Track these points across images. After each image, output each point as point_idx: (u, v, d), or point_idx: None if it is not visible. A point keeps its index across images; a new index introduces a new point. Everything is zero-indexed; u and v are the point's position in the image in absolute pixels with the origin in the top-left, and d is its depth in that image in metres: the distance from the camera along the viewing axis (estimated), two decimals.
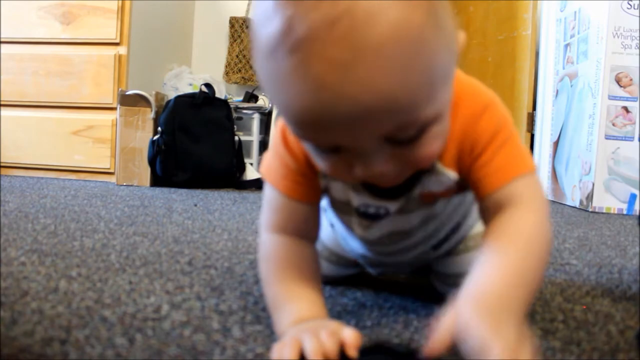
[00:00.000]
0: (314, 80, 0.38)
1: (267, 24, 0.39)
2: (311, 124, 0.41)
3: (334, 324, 0.48)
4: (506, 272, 0.44)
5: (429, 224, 0.60)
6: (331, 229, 0.71)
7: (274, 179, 0.57)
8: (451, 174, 0.53)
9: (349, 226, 0.62)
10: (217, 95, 2.33)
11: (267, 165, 0.58)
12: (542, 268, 0.48)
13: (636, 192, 1.98)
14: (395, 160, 0.44)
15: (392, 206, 0.57)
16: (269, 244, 0.58)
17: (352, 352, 0.44)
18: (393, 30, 0.37)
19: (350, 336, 0.44)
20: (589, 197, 2.02)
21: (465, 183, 0.54)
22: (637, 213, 1.96)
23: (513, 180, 0.50)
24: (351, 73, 0.37)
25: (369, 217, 0.59)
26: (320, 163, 0.48)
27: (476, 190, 0.52)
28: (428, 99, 0.41)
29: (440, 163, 0.53)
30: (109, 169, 2.29)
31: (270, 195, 0.58)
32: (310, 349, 0.43)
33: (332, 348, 0.43)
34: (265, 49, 0.40)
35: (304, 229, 0.58)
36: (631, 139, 2.00)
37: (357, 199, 0.57)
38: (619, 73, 1.99)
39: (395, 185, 0.50)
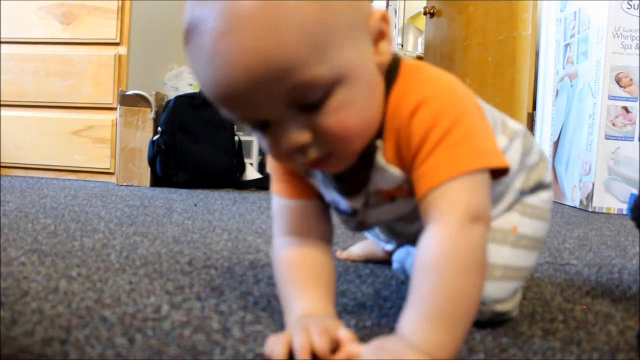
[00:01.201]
0: (207, 53, 0.43)
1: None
2: (221, 98, 0.45)
3: (331, 322, 0.50)
4: (417, 310, 0.45)
5: (413, 216, 0.58)
6: None
7: (272, 185, 0.61)
8: (395, 171, 0.52)
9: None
10: None
11: (270, 174, 0.61)
12: (459, 288, 0.45)
13: (636, 192, 1.98)
14: (312, 130, 0.46)
15: (356, 203, 0.57)
16: (276, 247, 0.60)
17: (346, 356, 0.45)
18: (251, 2, 0.42)
19: (345, 336, 0.47)
20: (589, 197, 2.02)
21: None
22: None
23: (442, 183, 0.47)
24: (233, 40, 0.42)
25: (343, 214, 0.60)
26: (262, 145, 0.50)
27: (415, 193, 0.50)
28: (311, 57, 0.43)
29: (383, 158, 0.52)
30: (109, 169, 2.29)
31: (273, 202, 0.61)
32: (298, 346, 0.46)
33: (321, 346, 0.45)
34: (183, 43, 0.46)
35: (307, 227, 0.59)
36: (631, 139, 2.00)
37: (328, 196, 0.59)
38: (619, 73, 1.99)
39: (350, 179, 0.53)
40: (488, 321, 0.60)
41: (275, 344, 0.47)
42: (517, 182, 0.65)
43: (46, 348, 0.49)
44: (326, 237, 0.60)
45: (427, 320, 0.44)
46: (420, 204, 0.49)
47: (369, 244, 0.94)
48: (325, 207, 0.61)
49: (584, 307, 0.71)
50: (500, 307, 0.60)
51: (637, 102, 1.99)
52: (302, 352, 0.45)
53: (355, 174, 0.54)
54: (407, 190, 0.54)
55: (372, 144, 0.51)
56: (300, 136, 0.46)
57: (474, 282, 0.46)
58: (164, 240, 1.05)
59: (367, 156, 0.52)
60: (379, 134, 0.51)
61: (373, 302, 0.69)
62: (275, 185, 0.60)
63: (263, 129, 0.48)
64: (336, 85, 0.45)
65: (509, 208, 0.65)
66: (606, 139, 2.00)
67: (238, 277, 0.79)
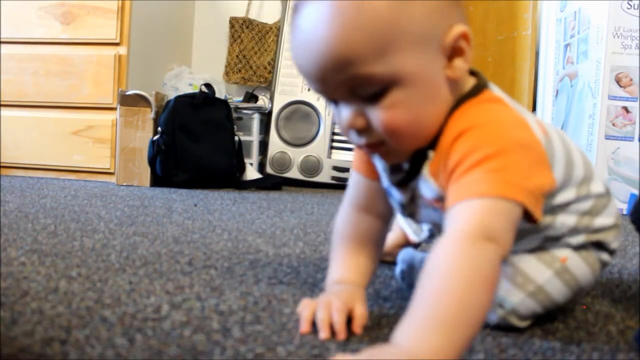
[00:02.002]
0: (295, 35, 0.53)
1: None
2: (302, 73, 0.54)
3: (354, 295, 0.59)
4: (413, 315, 0.45)
5: None
6: None
7: (353, 162, 0.68)
8: (433, 184, 0.56)
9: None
10: (217, 95, 2.33)
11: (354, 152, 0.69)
12: (460, 296, 0.44)
13: (636, 192, 1.98)
14: (367, 118, 0.53)
15: (404, 196, 0.61)
16: (340, 214, 0.69)
17: (357, 329, 0.56)
18: (338, 2, 0.50)
19: (358, 314, 0.57)
20: None
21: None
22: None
23: (466, 200, 0.48)
24: (311, 28, 0.51)
25: (394, 202, 0.64)
26: (335, 119, 0.57)
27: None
28: (370, 55, 0.49)
29: (429, 170, 0.56)
30: (109, 169, 2.29)
31: (350, 177, 0.69)
32: (319, 321, 0.56)
33: (338, 321, 0.55)
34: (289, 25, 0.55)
35: (370, 204, 0.67)
36: (631, 139, 2.00)
37: (384, 182, 0.64)
38: (619, 73, 1.99)
39: (400, 173, 0.59)
40: (495, 325, 0.60)
41: (304, 309, 0.58)
42: (573, 240, 0.63)
43: (46, 348, 0.49)
44: (385, 217, 0.68)
45: (422, 323, 0.44)
46: (446, 215, 0.51)
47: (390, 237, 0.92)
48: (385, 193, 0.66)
49: (584, 307, 0.71)
50: (514, 321, 0.60)
51: (637, 102, 1.99)
52: (322, 326, 0.55)
53: (405, 172, 0.59)
54: (442, 206, 0.55)
55: (426, 152, 0.55)
56: (356, 120, 0.53)
57: (476, 294, 0.45)
58: (164, 240, 1.05)
59: (419, 161, 0.56)
60: (434, 145, 0.55)
61: (373, 301, 0.69)
62: (355, 162, 0.67)
63: (334, 104, 0.56)
64: (392, 85, 0.51)
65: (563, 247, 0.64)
66: (606, 139, 2.00)
67: (238, 277, 0.79)
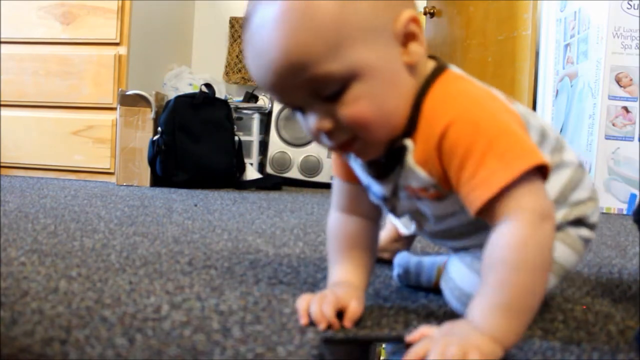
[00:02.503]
0: (247, 43, 0.53)
1: None
2: (260, 84, 0.54)
3: (350, 292, 0.61)
4: (486, 299, 0.49)
5: (446, 219, 0.61)
6: None
7: (332, 167, 0.69)
8: (422, 173, 0.56)
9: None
10: (217, 95, 2.33)
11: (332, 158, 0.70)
12: (526, 283, 0.48)
13: (636, 192, 1.98)
14: (333, 118, 0.52)
15: (385, 190, 0.61)
16: (330, 220, 0.70)
17: (347, 323, 0.58)
18: (286, 3, 0.50)
19: (351, 309, 0.58)
20: None
21: (444, 192, 0.56)
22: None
23: (502, 190, 0.49)
24: (265, 35, 0.51)
25: (375, 198, 0.64)
26: (303, 126, 0.57)
27: (467, 208, 0.53)
28: (324, 54, 0.50)
29: (412, 159, 0.56)
30: (109, 169, 2.29)
31: (333, 180, 0.70)
32: (312, 314, 0.58)
33: (330, 315, 0.57)
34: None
35: (355, 206, 0.67)
36: (631, 139, 2.00)
37: (363, 179, 0.64)
38: (619, 73, 1.99)
39: (379, 167, 0.59)
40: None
41: (300, 302, 0.60)
42: (557, 215, 0.63)
43: (46, 348, 0.49)
44: (372, 216, 0.68)
45: (494, 308, 0.48)
46: (481, 214, 0.51)
47: (382, 234, 0.92)
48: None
49: (584, 307, 0.71)
50: None
51: (637, 102, 1.99)
52: (312, 317, 0.58)
53: (385, 165, 0.59)
54: (433, 193, 0.57)
55: (401, 142, 0.55)
56: (323, 122, 0.53)
57: (539, 280, 0.49)
58: (164, 240, 1.05)
59: (397, 154, 0.56)
60: (409, 133, 0.55)
61: (373, 301, 0.69)
62: (334, 167, 0.68)
63: (300, 112, 0.55)
64: (351, 80, 0.51)
65: None
66: (606, 139, 2.00)
67: (238, 277, 0.79)
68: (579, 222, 0.65)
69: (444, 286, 0.65)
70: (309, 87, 0.51)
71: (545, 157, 0.57)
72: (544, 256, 0.50)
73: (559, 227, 0.63)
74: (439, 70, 0.57)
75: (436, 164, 0.54)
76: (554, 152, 0.64)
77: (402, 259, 0.77)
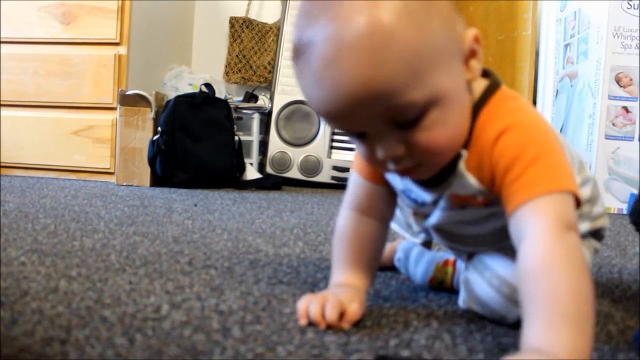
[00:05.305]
0: (314, 75, 0.49)
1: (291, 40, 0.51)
2: (326, 113, 0.51)
3: (352, 295, 0.60)
4: (538, 318, 0.44)
5: (474, 226, 0.61)
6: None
7: (354, 161, 0.66)
8: (472, 180, 0.56)
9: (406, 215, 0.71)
10: (217, 95, 2.33)
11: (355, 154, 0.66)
12: (574, 286, 0.45)
13: (636, 192, 1.98)
14: (405, 144, 0.51)
15: (428, 196, 0.60)
16: (340, 218, 0.67)
17: (345, 324, 0.57)
18: (365, 30, 0.46)
19: (350, 311, 0.58)
20: None
21: (492, 198, 0.56)
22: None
23: (537, 197, 0.49)
24: (339, 66, 0.47)
25: (412, 202, 0.63)
26: (359, 150, 0.56)
27: (505, 209, 0.52)
28: (409, 84, 0.47)
29: (464, 166, 0.55)
30: (109, 169, 2.29)
31: (351, 178, 0.67)
32: (311, 314, 0.58)
33: (330, 316, 0.56)
34: (291, 59, 0.51)
35: (371, 208, 0.65)
36: (631, 139, 2.00)
37: (399, 182, 0.62)
38: (619, 73, 1.99)
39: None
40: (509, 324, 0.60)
41: (301, 302, 0.60)
42: (580, 227, 0.63)
43: (46, 348, 0.49)
44: (385, 219, 0.67)
45: (551, 322, 0.43)
46: (512, 216, 0.51)
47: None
48: (392, 195, 0.65)
49: None
50: None
51: (637, 102, 1.99)
52: (311, 318, 0.58)
53: (438, 174, 0.57)
54: (481, 201, 0.57)
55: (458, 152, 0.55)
56: (396, 149, 0.51)
57: (585, 280, 0.46)
58: (164, 240, 1.05)
59: (451, 163, 0.55)
60: (465, 144, 0.55)
61: (373, 302, 0.69)
62: (357, 163, 0.65)
63: (361, 138, 0.53)
64: (430, 106, 0.49)
65: None
66: (606, 139, 2.00)
67: (238, 277, 0.79)
68: (594, 234, 0.68)
69: (473, 278, 0.63)
70: (386, 115, 0.49)
71: (577, 180, 0.58)
72: (580, 257, 0.48)
73: (583, 236, 0.65)
74: (496, 86, 0.57)
75: (487, 169, 0.54)
76: (580, 170, 0.65)
77: (406, 244, 0.78)
